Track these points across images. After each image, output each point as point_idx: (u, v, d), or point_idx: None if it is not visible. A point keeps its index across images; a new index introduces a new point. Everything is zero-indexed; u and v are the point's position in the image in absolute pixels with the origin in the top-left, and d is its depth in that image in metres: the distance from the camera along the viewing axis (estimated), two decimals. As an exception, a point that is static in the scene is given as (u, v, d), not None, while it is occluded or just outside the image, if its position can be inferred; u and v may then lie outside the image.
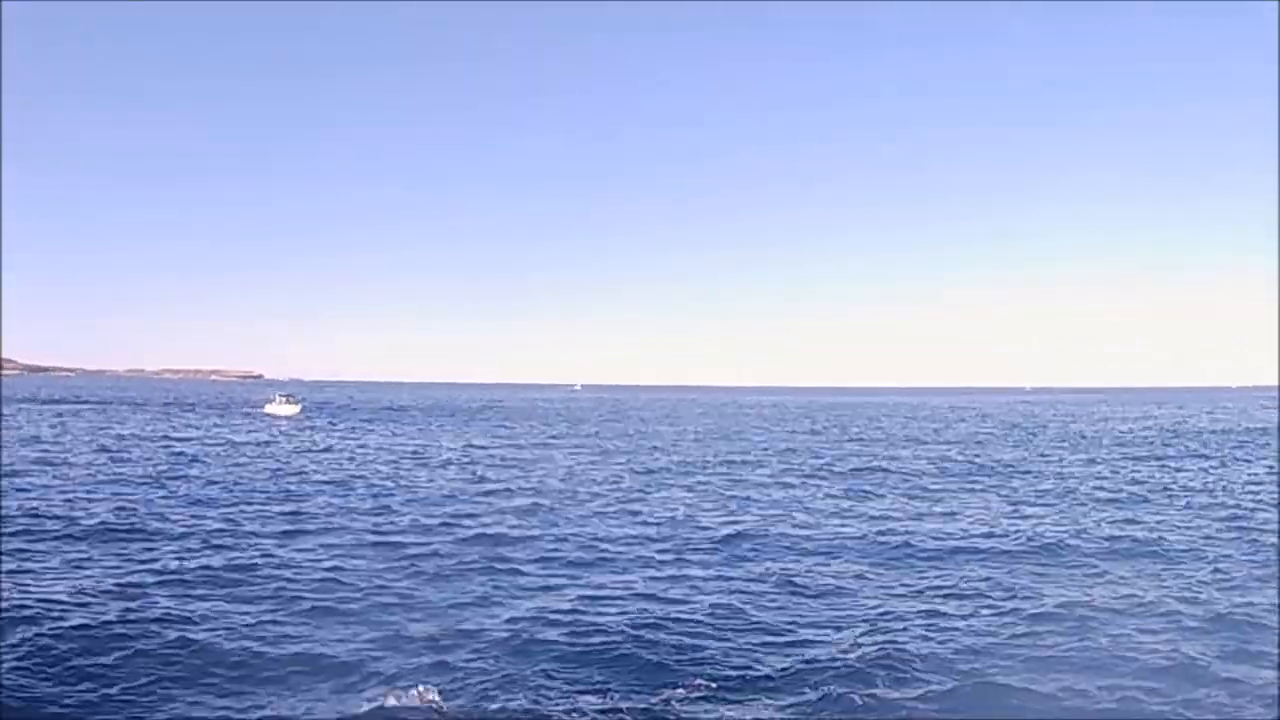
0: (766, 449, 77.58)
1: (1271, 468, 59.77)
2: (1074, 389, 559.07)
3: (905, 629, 22.56)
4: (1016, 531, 34.77)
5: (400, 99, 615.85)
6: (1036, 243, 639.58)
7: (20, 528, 31.88)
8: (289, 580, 26.03)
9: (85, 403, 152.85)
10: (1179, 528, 35.91)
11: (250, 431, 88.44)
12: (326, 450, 69.29)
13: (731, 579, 27.20)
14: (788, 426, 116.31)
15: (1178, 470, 59.67)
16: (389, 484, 47.89)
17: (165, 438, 77.20)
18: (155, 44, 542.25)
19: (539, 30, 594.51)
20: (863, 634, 22.31)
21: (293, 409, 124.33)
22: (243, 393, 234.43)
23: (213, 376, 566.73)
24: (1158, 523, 37.03)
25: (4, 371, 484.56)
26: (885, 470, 58.88)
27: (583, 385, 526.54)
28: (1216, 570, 28.40)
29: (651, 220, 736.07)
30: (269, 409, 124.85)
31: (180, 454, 61.18)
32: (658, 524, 36.13)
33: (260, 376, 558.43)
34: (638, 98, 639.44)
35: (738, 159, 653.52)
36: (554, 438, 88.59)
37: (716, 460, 65.99)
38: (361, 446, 73.67)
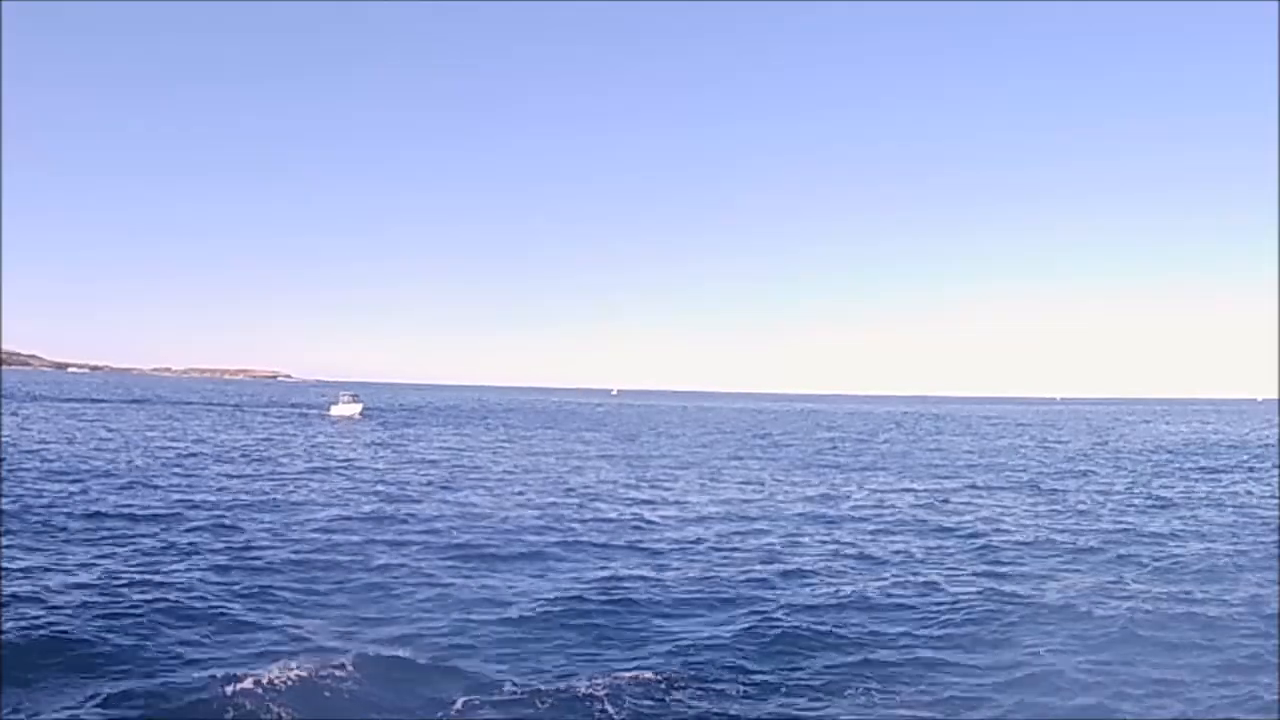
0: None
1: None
2: (1100, 399, 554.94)
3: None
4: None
5: (432, 94, 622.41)
6: (1074, 253, 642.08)
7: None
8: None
9: (147, 403, 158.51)
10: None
11: (339, 439, 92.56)
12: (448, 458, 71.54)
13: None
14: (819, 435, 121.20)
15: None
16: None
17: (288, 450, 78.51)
18: (175, 40, 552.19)
19: (578, 25, 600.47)
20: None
21: (355, 409, 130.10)
22: (283, 393, 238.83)
23: (240, 375, 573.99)
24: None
25: (35, 367, 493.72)
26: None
27: (619, 390, 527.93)
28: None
29: (694, 222, 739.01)
30: (334, 410, 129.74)
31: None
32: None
33: (290, 376, 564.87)
34: (678, 96, 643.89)
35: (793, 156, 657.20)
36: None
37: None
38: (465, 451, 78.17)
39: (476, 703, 18.45)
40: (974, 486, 58.21)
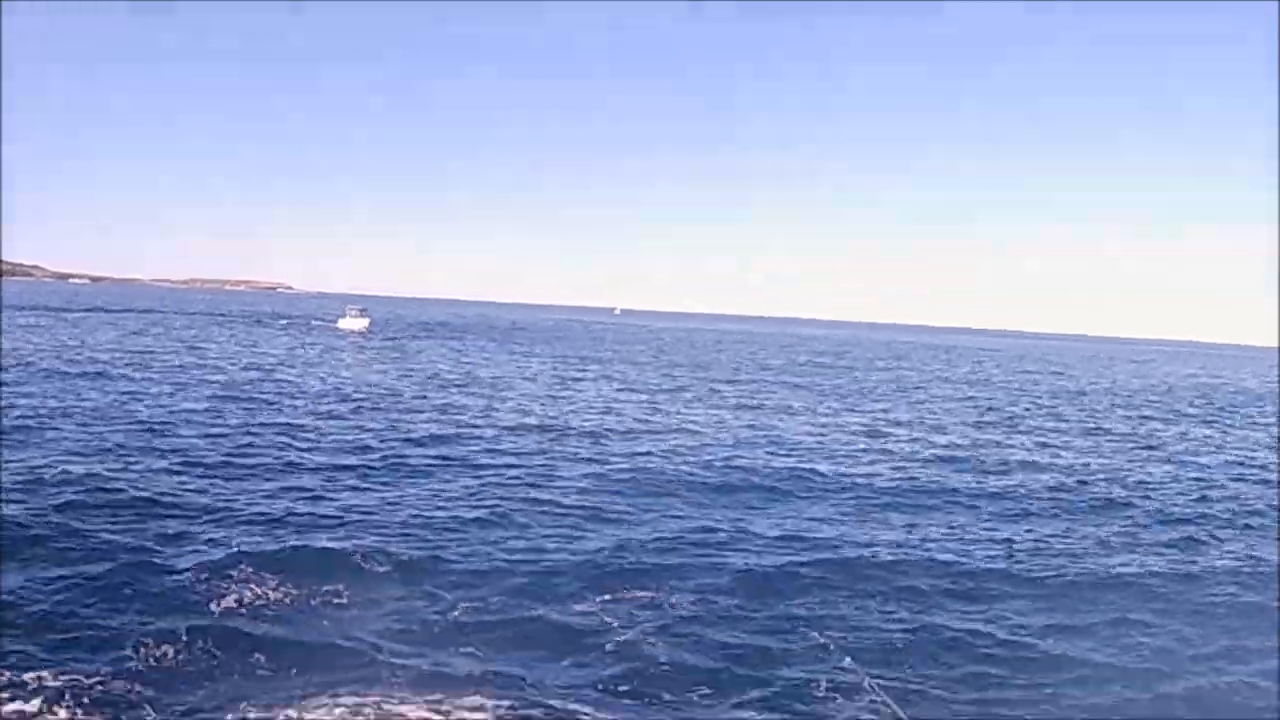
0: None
1: None
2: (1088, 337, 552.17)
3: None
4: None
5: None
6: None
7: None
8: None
9: (157, 312, 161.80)
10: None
11: (346, 350, 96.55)
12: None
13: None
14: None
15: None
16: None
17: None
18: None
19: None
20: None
21: (363, 323, 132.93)
22: (285, 305, 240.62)
23: (241, 286, 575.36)
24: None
25: (37, 278, 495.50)
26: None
27: (622, 310, 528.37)
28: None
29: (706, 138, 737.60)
30: (341, 324, 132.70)
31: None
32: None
33: (290, 288, 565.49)
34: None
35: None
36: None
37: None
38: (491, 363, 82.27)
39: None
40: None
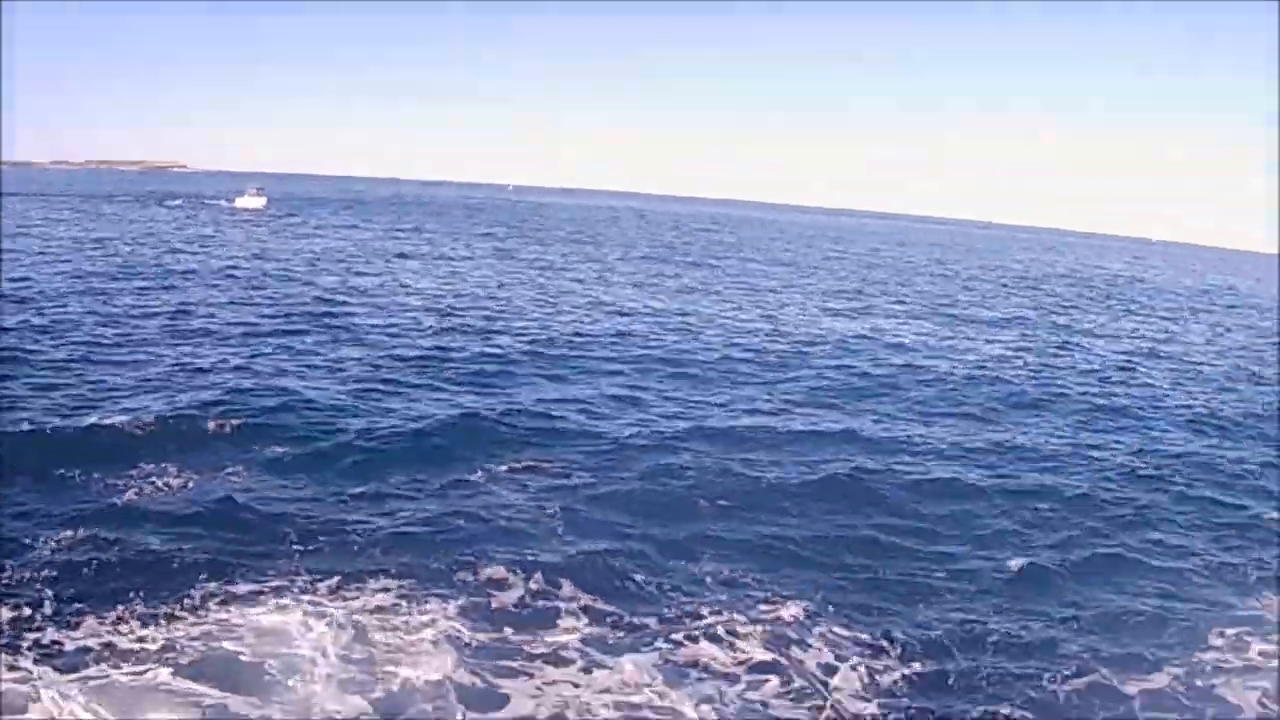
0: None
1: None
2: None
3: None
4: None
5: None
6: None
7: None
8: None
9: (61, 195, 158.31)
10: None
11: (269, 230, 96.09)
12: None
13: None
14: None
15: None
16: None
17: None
18: None
19: None
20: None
21: (260, 201, 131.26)
22: (183, 185, 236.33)
23: (137, 167, 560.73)
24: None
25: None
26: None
27: (515, 187, 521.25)
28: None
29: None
30: (239, 202, 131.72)
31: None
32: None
33: (185, 167, 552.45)
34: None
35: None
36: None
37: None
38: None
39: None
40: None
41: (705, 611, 17.12)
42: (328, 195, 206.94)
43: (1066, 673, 16.07)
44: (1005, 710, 14.92)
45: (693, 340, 42.09)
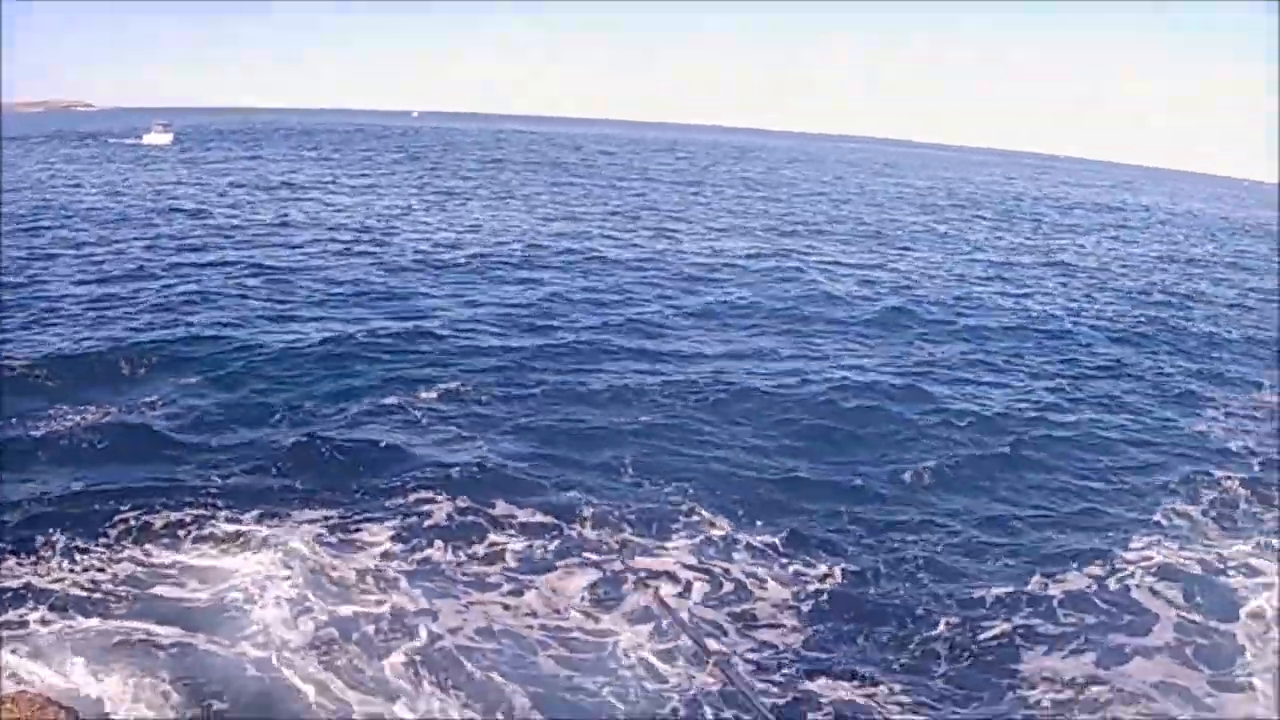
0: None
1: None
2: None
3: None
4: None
5: None
6: None
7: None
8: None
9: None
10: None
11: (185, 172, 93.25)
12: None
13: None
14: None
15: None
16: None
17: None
18: None
19: None
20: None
21: (167, 138, 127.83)
22: (84, 122, 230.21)
23: (39, 108, 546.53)
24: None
25: None
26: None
27: (420, 113, 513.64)
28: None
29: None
30: (146, 139, 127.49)
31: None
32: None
33: (90, 106, 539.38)
34: None
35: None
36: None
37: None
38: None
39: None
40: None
41: (630, 527, 17.33)
42: (231, 127, 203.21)
43: (987, 572, 16.61)
44: (923, 607, 15.38)
45: (599, 263, 42.09)
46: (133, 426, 20.41)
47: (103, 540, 15.70)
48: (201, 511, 16.85)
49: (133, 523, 16.30)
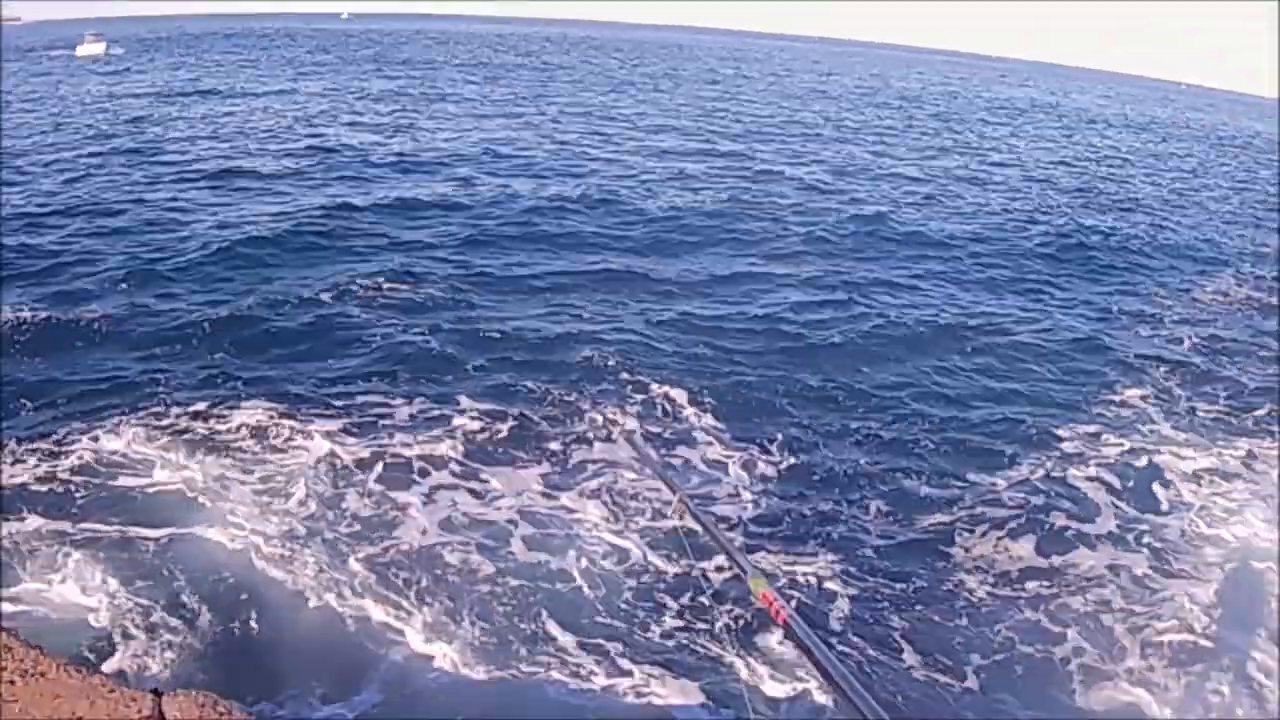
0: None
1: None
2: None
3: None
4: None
5: None
6: None
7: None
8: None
9: None
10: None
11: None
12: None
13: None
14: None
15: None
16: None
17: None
18: None
19: None
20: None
21: (100, 48, 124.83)
22: (27, 34, 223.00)
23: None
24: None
25: None
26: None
27: (350, 14, 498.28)
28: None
29: None
30: (81, 50, 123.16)
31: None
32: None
33: (18, 20, 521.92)
34: None
35: None
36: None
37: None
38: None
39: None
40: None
41: (587, 413, 17.65)
42: (163, 34, 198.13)
43: (924, 470, 17.02)
44: (860, 492, 16.01)
45: (522, 167, 42.05)
46: (67, 322, 20.27)
47: (54, 438, 15.49)
48: (153, 405, 16.80)
49: (80, 420, 16.12)
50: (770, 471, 16.23)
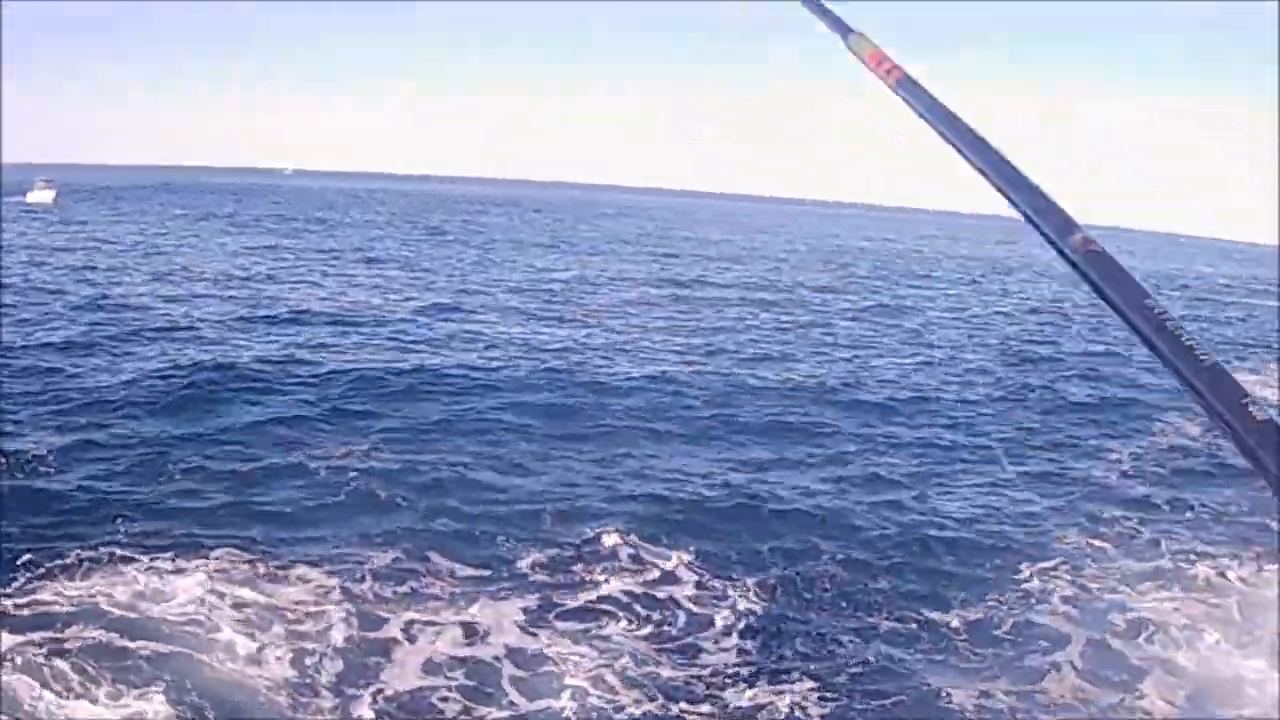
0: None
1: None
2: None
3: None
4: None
5: None
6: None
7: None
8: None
9: None
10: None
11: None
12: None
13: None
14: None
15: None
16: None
17: None
18: None
19: None
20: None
21: (50, 195, 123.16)
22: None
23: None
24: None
25: None
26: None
27: (293, 170, 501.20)
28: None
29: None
30: (31, 198, 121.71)
31: None
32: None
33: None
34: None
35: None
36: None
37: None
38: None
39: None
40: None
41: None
42: (112, 184, 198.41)
43: (881, 599, 16.94)
44: (831, 629, 15.82)
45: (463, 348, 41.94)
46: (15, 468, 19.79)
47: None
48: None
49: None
50: (730, 611, 16.08)
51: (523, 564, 17.22)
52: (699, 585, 16.88)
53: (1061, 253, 2.14)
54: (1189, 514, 22.27)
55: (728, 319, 48.76)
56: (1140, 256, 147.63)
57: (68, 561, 15.50)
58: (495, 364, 33.27)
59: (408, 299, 48.23)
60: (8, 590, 14.43)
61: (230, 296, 45.47)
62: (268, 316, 40.44)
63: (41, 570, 15.18)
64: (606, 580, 16.78)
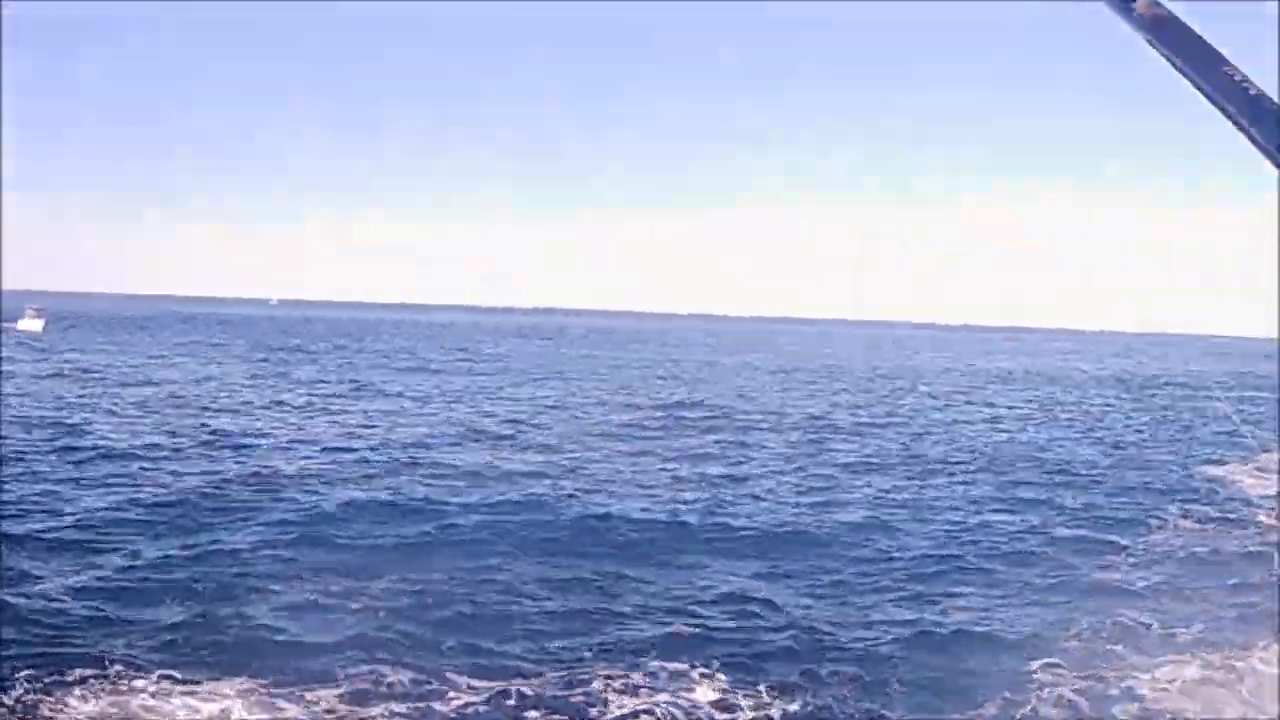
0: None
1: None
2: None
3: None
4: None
5: None
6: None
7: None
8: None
9: None
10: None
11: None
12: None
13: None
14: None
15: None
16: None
17: None
18: None
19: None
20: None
21: (39, 324, 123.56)
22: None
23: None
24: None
25: None
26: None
27: (278, 300, 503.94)
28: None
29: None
30: (21, 325, 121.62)
31: None
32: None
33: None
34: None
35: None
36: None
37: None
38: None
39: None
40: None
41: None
42: (99, 313, 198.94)
43: (895, 694, 16.49)
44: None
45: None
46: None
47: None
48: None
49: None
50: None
51: (535, 683, 16.38)
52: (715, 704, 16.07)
53: None
54: (1200, 604, 21.57)
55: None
56: None
57: (68, 679, 15.06)
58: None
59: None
60: (8, 702, 14.19)
61: (222, 423, 45.16)
62: (255, 441, 40.14)
63: (40, 685, 14.81)
64: (623, 699, 16.04)
